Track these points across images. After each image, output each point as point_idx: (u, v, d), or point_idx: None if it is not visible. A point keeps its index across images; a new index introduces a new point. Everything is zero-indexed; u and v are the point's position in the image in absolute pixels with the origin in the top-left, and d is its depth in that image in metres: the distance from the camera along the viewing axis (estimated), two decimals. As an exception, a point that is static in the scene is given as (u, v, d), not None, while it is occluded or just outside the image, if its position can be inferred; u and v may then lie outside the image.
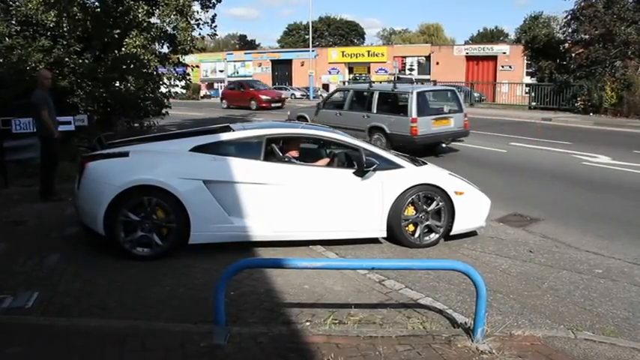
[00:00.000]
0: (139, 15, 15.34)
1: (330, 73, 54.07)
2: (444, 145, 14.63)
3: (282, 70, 58.77)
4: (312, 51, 52.72)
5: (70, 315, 4.59)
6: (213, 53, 65.00)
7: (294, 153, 6.98)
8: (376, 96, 14.57)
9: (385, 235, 6.66)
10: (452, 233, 6.81)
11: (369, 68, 51.65)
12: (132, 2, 15.19)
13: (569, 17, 27.67)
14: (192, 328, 4.23)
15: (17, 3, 15.07)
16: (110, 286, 5.27)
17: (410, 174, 6.72)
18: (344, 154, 7.11)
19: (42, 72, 9.44)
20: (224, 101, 38.43)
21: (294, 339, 4.10)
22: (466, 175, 7.41)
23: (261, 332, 4.16)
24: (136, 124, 16.68)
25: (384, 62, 50.12)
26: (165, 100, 17.34)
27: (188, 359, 3.77)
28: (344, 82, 46.96)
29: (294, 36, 76.71)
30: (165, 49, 18.04)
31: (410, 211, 6.62)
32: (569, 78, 26.81)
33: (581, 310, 5.06)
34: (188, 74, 18.83)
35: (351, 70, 53.71)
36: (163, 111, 17.20)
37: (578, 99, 26.36)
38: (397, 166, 6.76)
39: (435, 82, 31.66)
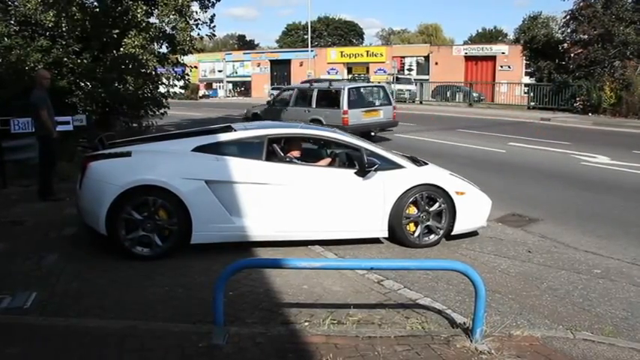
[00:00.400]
0: (138, 15, 15.30)
1: (328, 73, 54.03)
2: (372, 134, 16.11)
3: (280, 71, 58.72)
4: (311, 51, 52.73)
5: (69, 315, 4.58)
6: (212, 53, 64.98)
7: (296, 153, 6.98)
8: (315, 93, 16.97)
9: (386, 235, 6.66)
10: (453, 233, 6.82)
11: (367, 68, 51.65)
12: (131, 2, 15.16)
13: (568, 17, 27.69)
14: (191, 329, 4.22)
15: (16, 3, 15.03)
16: (109, 286, 5.27)
17: (411, 174, 6.72)
18: (345, 154, 7.13)
19: (41, 72, 9.44)
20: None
21: (292, 339, 4.10)
22: (465, 175, 7.41)
23: (259, 332, 4.16)
24: (134, 124, 16.68)
25: (383, 62, 50.11)
26: (164, 100, 17.33)
27: (187, 359, 3.77)
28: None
29: (292, 36, 76.65)
30: (164, 49, 18.00)
31: (411, 210, 6.63)
32: (568, 78, 26.84)
33: (579, 310, 5.06)
34: (187, 74, 18.81)
35: (349, 70, 53.71)
36: (162, 111, 17.19)
37: (577, 99, 26.39)
38: (398, 166, 6.77)
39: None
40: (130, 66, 15.45)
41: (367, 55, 52.97)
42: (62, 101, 12.83)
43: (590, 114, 25.05)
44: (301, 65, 53.67)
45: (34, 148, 9.44)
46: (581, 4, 26.72)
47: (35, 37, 14.77)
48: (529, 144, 16.11)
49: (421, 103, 35.98)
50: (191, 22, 17.51)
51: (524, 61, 35.88)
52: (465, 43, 64.20)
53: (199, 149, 6.39)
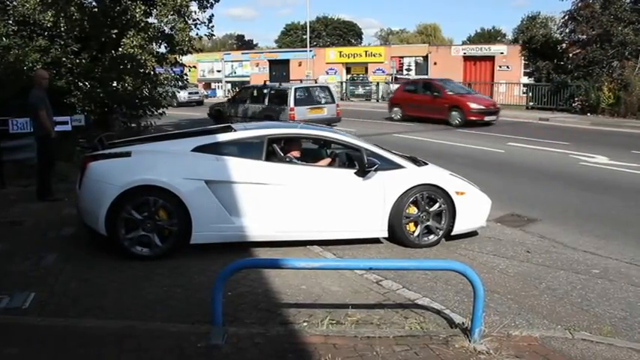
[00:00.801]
0: (137, 15, 15.31)
1: (327, 73, 53.98)
2: None
3: (279, 71, 58.62)
4: (310, 51, 52.68)
5: (67, 315, 4.58)
6: (211, 53, 64.88)
7: (296, 153, 6.98)
8: (269, 92, 19.21)
9: (386, 235, 6.66)
10: (453, 233, 6.83)
11: (366, 68, 51.59)
12: (129, 2, 15.16)
13: (566, 17, 27.69)
14: (190, 329, 4.22)
15: (14, 3, 15.02)
16: (107, 287, 5.27)
17: (411, 174, 6.72)
18: (345, 154, 7.14)
19: (39, 72, 9.43)
20: (395, 110, 23.94)
21: (291, 339, 4.10)
22: (464, 175, 7.42)
23: (258, 332, 4.16)
24: (133, 124, 16.67)
25: (382, 62, 50.01)
26: (162, 100, 17.32)
27: (185, 359, 3.77)
28: (341, 82, 47.01)
29: (291, 36, 76.59)
30: (162, 49, 18.02)
31: (411, 210, 6.63)
32: (567, 78, 26.83)
33: (578, 310, 5.07)
34: (185, 74, 18.82)
35: (348, 71, 53.65)
36: (160, 111, 17.18)
37: (576, 99, 26.38)
38: (398, 167, 6.77)
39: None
40: (129, 66, 15.46)
41: (366, 55, 52.90)
42: (61, 101, 12.81)
43: (588, 114, 25.05)
44: (300, 65, 53.61)
45: (32, 148, 9.43)
46: (580, 4, 26.72)
47: (34, 37, 14.78)
48: (528, 144, 16.11)
49: (420, 103, 35.94)
50: (190, 22, 17.55)
51: (523, 62, 35.84)
52: (464, 43, 64.18)
53: (199, 149, 6.39)
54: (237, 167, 6.29)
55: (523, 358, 3.93)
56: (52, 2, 14.12)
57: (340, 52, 54.88)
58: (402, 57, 49.99)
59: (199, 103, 40.11)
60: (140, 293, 5.10)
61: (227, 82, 61.45)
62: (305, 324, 4.50)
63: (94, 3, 15.69)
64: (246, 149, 6.54)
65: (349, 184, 6.51)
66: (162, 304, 4.86)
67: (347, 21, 76.40)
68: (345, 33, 73.96)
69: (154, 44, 17.54)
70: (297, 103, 17.93)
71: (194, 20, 17.75)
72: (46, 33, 15.15)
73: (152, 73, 16.82)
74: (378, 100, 39.20)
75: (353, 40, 72.83)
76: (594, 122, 22.42)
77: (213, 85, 59.60)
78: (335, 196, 6.50)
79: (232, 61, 62.72)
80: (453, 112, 21.28)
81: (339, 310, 4.77)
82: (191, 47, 17.88)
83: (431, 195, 6.64)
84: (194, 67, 22.74)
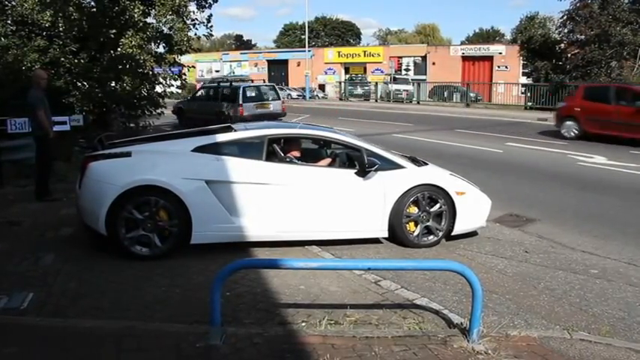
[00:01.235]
0: (135, 15, 15.28)
1: (326, 73, 54.06)
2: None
3: (278, 71, 58.71)
4: (309, 51, 52.71)
5: (66, 315, 4.58)
6: (209, 53, 64.93)
7: (296, 153, 6.98)
8: (222, 90, 21.74)
9: (387, 235, 6.66)
10: (453, 233, 6.83)
11: (365, 68, 51.68)
12: (128, 2, 15.13)
13: (564, 18, 27.76)
14: (188, 329, 4.22)
15: (13, 3, 15.00)
16: (106, 287, 5.26)
17: (411, 174, 6.72)
18: (345, 155, 7.14)
19: (38, 72, 9.41)
20: (569, 124, 17.57)
21: (290, 339, 4.09)
22: (462, 175, 7.41)
23: (256, 333, 4.16)
24: (131, 124, 16.65)
25: (380, 62, 50.11)
26: (161, 100, 17.31)
27: (184, 360, 3.77)
28: (340, 83, 47.01)
29: (290, 36, 76.63)
30: (161, 49, 18.01)
31: (412, 209, 6.63)
32: (565, 78, 26.89)
33: (576, 310, 5.07)
34: (184, 74, 18.81)
35: (347, 71, 53.72)
36: (159, 111, 17.18)
37: (574, 99, 26.40)
38: (399, 167, 6.77)
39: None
40: (127, 66, 15.43)
41: (364, 56, 53.00)
42: (59, 101, 12.80)
43: (587, 114, 25.02)
44: (299, 65, 53.67)
45: (31, 148, 9.41)
46: (578, 4, 26.79)
47: (32, 37, 14.76)
48: (526, 144, 16.13)
49: (418, 103, 36.03)
50: (188, 22, 17.55)
51: (522, 62, 35.92)
52: (463, 43, 64.25)
53: (199, 149, 6.39)
54: (238, 167, 6.29)
55: (521, 358, 3.93)
56: (50, 2, 14.10)
57: (339, 52, 54.96)
58: (401, 57, 50.05)
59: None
60: (139, 293, 5.10)
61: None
62: (303, 324, 4.50)
63: (92, 3, 15.66)
64: (246, 149, 6.54)
65: (349, 184, 6.51)
66: (160, 304, 4.86)
67: (345, 21, 76.49)
68: (343, 33, 74.02)
69: (153, 44, 17.54)
70: (246, 100, 20.52)
71: (192, 20, 17.76)
72: (44, 33, 15.12)
73: (150, 73, 16.79)
74: (376, 100, 39.19)
75: (351, 40, 72.91)
76: (593, 122, 22.36)
77: (212, 85, 59.45)
78: (335, 196, 6.50)
79: (231, 61, 62.76)
80: None
81: (338, 311, 4.77)
82: (189, 47, 17.88)
83: (432, 195, 6.65)
84: (193, 67, 22.89)
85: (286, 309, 4.82)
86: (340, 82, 47.32)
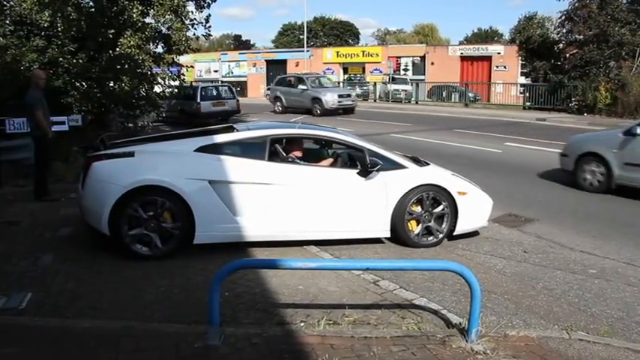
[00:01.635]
0: (134, 15, 15.28)
1: (324, 73, 53.95)
2: (219, 118, 22.16)
3: (276, 71, 58.46)
4: (307, 51, 52.69)
5: (64, 316, 4.58)
6: (208, 53, 64.79)
7: (298, 153, 6.98)
8: (184, 90, 22.81)
9: (389, 235, 6.67)
10: (455, 233, 6.85)
11: (363, 68, 51.58)
12: (126, 2, 15.13)
13: (563, 18, 27.73)
14: (187, 329, 4.22)
15: (11, 3, 14.99)
16: (104, 287, 5.26)
17: (413, 174, 6.73)
18: (347, 155, 7.15)
19: (36, 72, 9.40)
20: None
21: (288, 340, 4.10)
22: (462, 175, 7.41)
23: (255, 333, 4.16)
24: (130, 124, 16.64)
25: (379, 62, 50.00)
26: (160, 100, 17.30)
27: (182, 360, 3.76)
28: (338, 83, 46.98)
29: (288, 36, 76.56)
30: (159, 49, 18.02)
31: (415, 207, 6.64)
32: (564, 78, 26.86)
33: (575, 310, 5.08)
34: (183, 74, 18.81)
35: (345, 71, 53.63)
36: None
37: (573, 99, 26.45)
38: (401, 167, 6.77)
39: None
40: (126, 66, 15.42)
41: (363, 56, 52.91)
42: (58, 101, 12.79)
43: (585, 114, 25.10)
44: (297, 65, 53.59)
45: (29, 148, 9.40)
46: (577, 4, 26.76)
47: (31, 37, 14.74)
48: (525, 144, 16.14)
49: (417, 103, 35.98)
50: (187, 22, 17.55)
51: (520, 62, 35.87)
52: (461, 43, 64.22)
53: (202, 149, 6.39)
54: (240, 167, 6.30)
55: (520, 358, 3.94)
56: (49, 2, 14.08)
57: (337, 52, 54.89)
58: (400, 57, 49.98)
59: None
60: (138, 293, 5.10)
61: (224, 82, 61.35)
62: (302, 324, 4.50)
63: (91, 3, 15.65)
64: (248, 149, 6.54)
65: (352, 184, 6.52)
66: (159, 305, 4.86)
67: (344, 21, 76.41)
68: (342, 33, 73.95)
69: (151, 44, 17.53)
70: (203, 98, 23.04)
71: (191, 20, 17.76)
72: (43, 33, 15.10)
73: (149, 73, 16.78)
74: (375, 100, 39.18)
75: (350, 40, 72.84)
76: (591, 122, 22.42)
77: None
78: (338, 196, 6.51)
79: (229, 61, 62.66)
80: None
81: (336, 311, 4.77)
82: (188, 47, 17.88)
83: (435, 196, 6.65)
84: (191, 67, 23.01)
85: (285, 309, 4.82)
86: (339, 82, 47.28)
